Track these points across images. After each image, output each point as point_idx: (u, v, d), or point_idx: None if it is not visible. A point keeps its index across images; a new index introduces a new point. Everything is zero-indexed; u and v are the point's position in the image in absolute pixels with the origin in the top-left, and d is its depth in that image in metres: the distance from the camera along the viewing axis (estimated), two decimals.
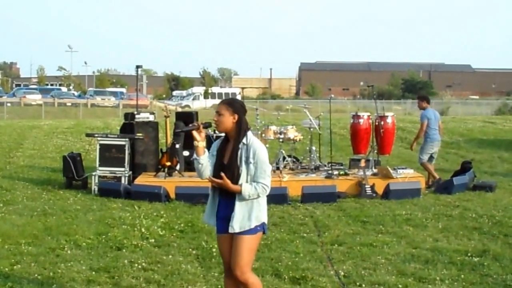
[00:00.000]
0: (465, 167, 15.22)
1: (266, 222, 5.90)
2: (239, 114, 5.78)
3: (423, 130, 14.95)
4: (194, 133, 5.81)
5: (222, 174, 5.64)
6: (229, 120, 5.75)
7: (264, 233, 5.94)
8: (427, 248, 9.08)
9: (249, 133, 5.84)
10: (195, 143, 5.78)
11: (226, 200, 5.79)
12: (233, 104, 5.82)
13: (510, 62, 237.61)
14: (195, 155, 5.84)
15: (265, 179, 5.71)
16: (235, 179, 5.68)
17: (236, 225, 5.68)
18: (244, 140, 5.75)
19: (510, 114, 46.50)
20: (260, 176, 5.70)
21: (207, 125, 5.98)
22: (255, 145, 5.74)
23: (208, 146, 5.99)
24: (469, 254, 8.73)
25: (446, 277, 7.80)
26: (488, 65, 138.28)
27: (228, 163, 5.75)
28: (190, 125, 5.94)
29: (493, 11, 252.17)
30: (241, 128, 5.77)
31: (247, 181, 5.70)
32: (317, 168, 14.91)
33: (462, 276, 7.83)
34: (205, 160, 5.82)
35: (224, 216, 5.82)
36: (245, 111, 5.88)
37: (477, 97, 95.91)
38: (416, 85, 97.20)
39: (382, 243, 9.36)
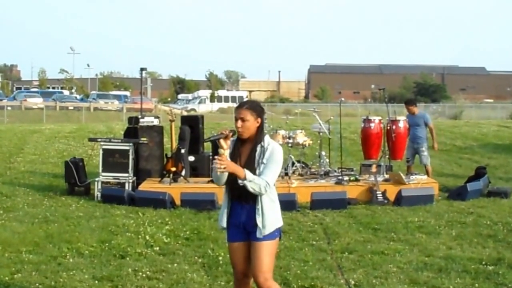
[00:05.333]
0: (479, 173, 15.03)
1: (282, 226, 5.86)
2: (262, 117, 5.71)
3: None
4: (222, 141, 5.63)
5: (224, 151, 5.59)
6: (254, 125, 5.66)
7: (280, 238, 5.85)
8: (440, 256, 8.93)
9: (267, 136, 5.80)
10: (221, 151, 5.61)
11: (240, 205, 5.71)
12: (256, 108, 5.71)
13: None
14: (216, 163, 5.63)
15: (269, 177, 5.60)
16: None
17: (258, 231, 5.61)
18: (262, 143, 5.68)
19: None
20: (266, 173, 5.60)
21: (233, 133, 5.78)
22: (273, 147, 5.68)
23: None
24: (483, 263, 8.57)
25: (460, 286, 7.68)
26: (503, 68, 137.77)
27: (245, 166, 5.62)
28: (219, 133, 5.73)
29: (509, 12, 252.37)
30: (262, 131, 5.72)
31: None
32: (326, 174, 14.72)
33: (476, 285, 7.69)
34: None
35: (237, 223, 5.75)
36: (264, 112, 5.82)
37: (491, 100, 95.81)
38: (429, 88, 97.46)
39: (394, 251, 9.21)
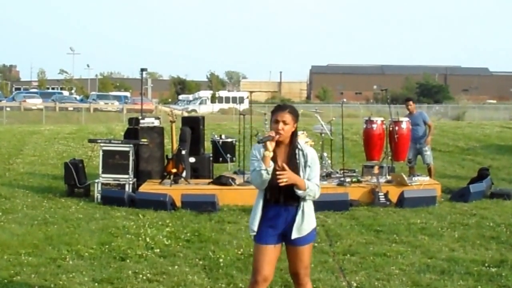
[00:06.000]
0: (482, 174, 14.99)
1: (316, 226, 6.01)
2: (297, 120, 5.81)
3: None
4: (268, 143, 5.62)
5: (284, 164, 5.62)
6: (291, 129, 5.74)
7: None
8: (443, 258, 8.89)
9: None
10: (267, 153, 5.59)
11: (282, 208, 5.77)
12: (295, 113, 5.81)
13: None
14: (263, 166, 5.61)
15: (318, 181, 5.82)
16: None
17: (300, 231, 5.73)
18: (299, 146, 5.81)
19: None
20: (314, 177, 5.77)
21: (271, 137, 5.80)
22: (308, 150, 5.83)
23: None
24: (486, 265, 8.53)
25: None
26: (507, 68, 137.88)
27: (290, 167, 5.66)
28: (267, 135, 5.72)
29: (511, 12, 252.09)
30: (296, 135, 5.83)
31: None
32: (328, 175, 14.70)
33: (479, 287, 7.67)
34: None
35: (274, 225, 5.78)
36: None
37: (494, 101, 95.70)
38: (432, 89, 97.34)
39: (396, 253, 9.16)
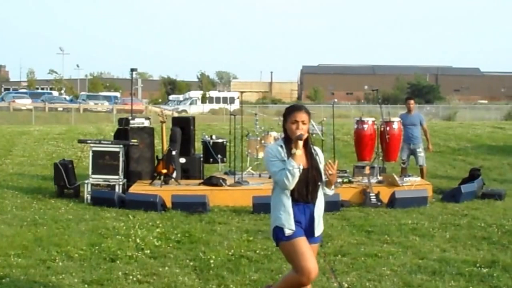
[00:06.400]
0: (473, 175, 15.01)
1: None
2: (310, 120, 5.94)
3: None
4: (300, 143, 5.74)
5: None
6: (308, 128, 5.87)
7: None
8: (434, 259, 8.88)
9: None
10: (298, 151, 5.71)
11: (305, 206, 5.88)
12: (309, 111, 5.95)
13: None
14: (296, 164, 5.68)
15: None
16: (319, 180, 5.90)
17: (319, 228, 5.96)
18: (312, 146, 6.00)
19: None
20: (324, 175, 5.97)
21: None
22: (318, 149, 6.09)
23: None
24: (477, 265, 8.52)
25: None
26: (498, 69, 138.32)
27: (311, 164, 5.88)
28: (299, 134, 5.78)
29: (503, 13, 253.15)
30: (309, 133, 5.96)
31: None
32: None
33: (471, 287, 7.64)
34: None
35: (299, 221, 5.85)
36: None
37: (486, 101, 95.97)
38: (423, 89, 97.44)
39: (388, 254, 9.15)
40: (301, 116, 5.78)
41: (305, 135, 5.76)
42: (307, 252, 5.74)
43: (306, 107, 5.99)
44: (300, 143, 5.72)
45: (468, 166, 18.16)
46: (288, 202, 5.79)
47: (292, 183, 5.68)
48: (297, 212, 5.81)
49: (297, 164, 5.66)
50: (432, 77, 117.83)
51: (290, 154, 5.74)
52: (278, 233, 5.86)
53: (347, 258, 8.97)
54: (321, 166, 5.91)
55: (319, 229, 5.93)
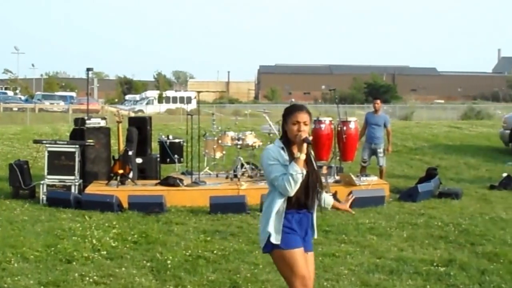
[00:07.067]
0: (430, 174, 15.12)
1: None
2: (311, 121, 5.65)
3: None
4: (305, 145, 5.41)
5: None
6: (308, 129, 5.54)
7: None
8: (391, 258, 8.93)
9: None
10: (303, 156, 5.38)
11: (305, 213, 5.59)
12: (310, 112, 5.61)
13: (477, 66, 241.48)
14: (300, 169, 5.34)
15: None
16: (319, 185, 5.62)
17: (312, 238, 5.72)
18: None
19: (476, 119, 46.60)
20: None
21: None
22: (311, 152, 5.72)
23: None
24: (435, 264, 8.61)
25: None
26: (454, 69, 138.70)
27: (311, 169, 5.54)
28: (305, 137, 5.44)
29: (459, 13, 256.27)
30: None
31: None
32: None
33: (428, 286, 7.74)
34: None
35: (295, 229, 5.52)
36: None
37: (442, 101, 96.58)
38: (380, 89, 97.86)
39: (345, 253, 9.18)
40: (303, 117, 5.46)
41: (311, 137, 5.47)
42: (301, 259, 5.45)
43: (307, 107, 5.64)
44: (305, 146, 5.40)
45: (425, 166, 18.28)
46: (283, 208, 5.46)
47: (294, 189, 5.35)
48: (292, 220, 5.48)
49: (301, 169, 5.35)
50: (389, 76, 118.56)
51: (292, 158, 5.44)
52: (271, 240, 5.47)
53: None
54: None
55: (314, 236, 5.73)
